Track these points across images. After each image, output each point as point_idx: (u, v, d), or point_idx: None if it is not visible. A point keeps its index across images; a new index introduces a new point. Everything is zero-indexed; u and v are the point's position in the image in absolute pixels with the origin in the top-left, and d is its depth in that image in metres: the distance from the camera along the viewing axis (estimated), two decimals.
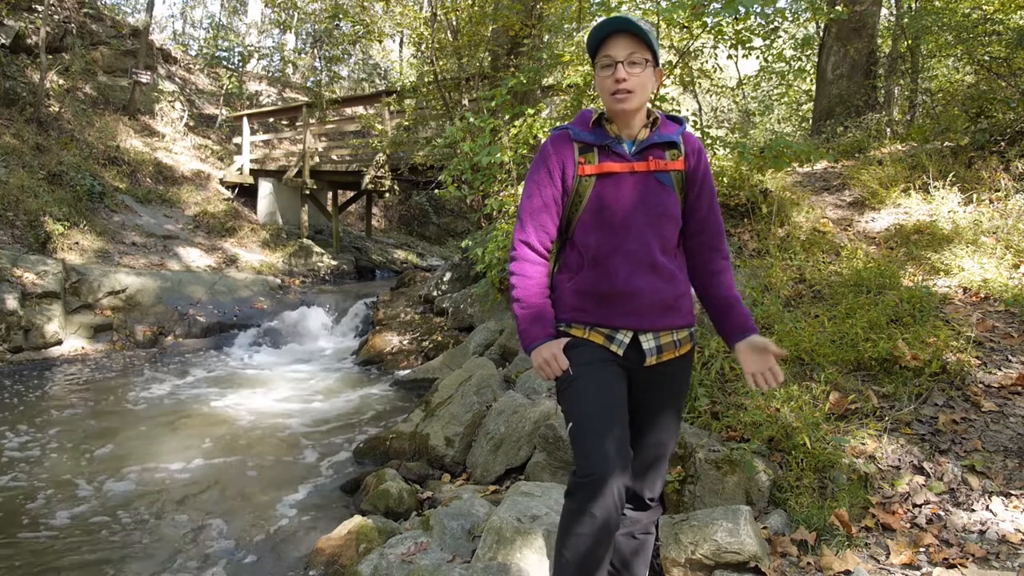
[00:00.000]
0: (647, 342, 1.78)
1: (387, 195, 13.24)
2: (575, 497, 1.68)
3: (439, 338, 7.17)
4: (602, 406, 1.72)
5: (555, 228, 1.84)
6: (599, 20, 1.78)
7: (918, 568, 2.27)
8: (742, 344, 1.81)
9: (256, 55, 20.27)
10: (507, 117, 5.93)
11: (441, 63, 9.57)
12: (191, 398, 5.89)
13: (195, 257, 10.46)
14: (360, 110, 15.11)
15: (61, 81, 12.56)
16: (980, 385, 3.07)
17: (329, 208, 13.56)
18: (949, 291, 4.01)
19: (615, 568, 1.95)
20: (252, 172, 13.57)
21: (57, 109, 11.70)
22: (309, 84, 20.40)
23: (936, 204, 5.03)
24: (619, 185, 1.75)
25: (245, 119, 13.82)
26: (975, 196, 5.00)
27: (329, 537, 3.04)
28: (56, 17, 13.40)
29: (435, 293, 8.30)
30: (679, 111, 5.94)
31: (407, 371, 6.75)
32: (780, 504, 2.68)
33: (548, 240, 1.83)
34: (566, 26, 8.32)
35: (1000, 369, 3.17)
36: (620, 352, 1.77)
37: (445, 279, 8.33)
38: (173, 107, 15.15)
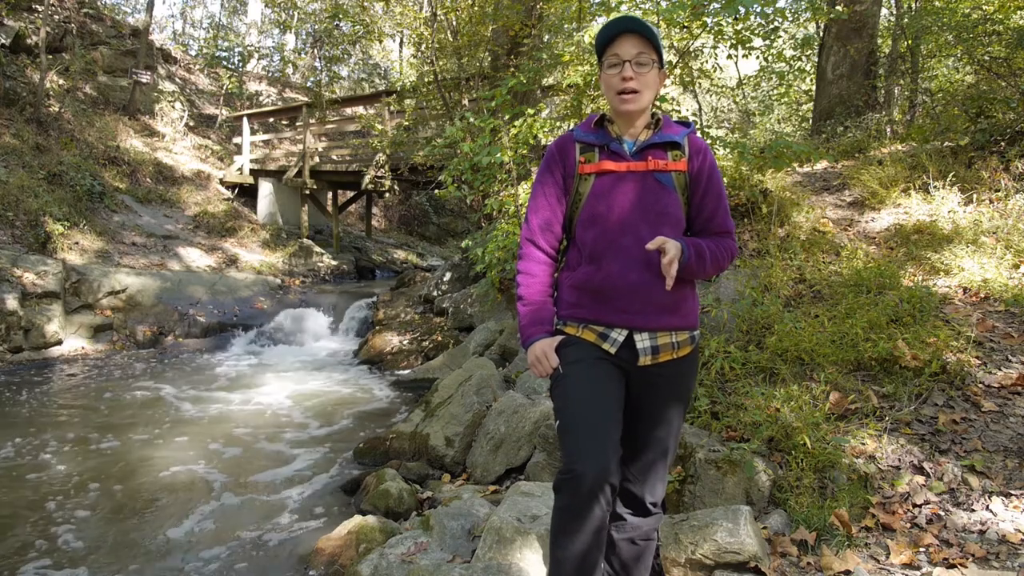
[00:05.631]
0: (642, 341, 1.77)
1: (387, 195, 13.24)
2: (560, 494, 1.70)
3: (439, 338, 7.17)
4: (587, 403, 1.72)
5: (560, 227, 1.88)
6: (601, 20, 1.82)
7: (918, 568, 2.27)
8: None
9: (256, 55, 20.27)
10: (507, 117, 5.93)
11: (441, 63, 9.57)
12: (191, 398, 5.89)
13: (195, 257, 10.46)
14: (360, 110, 15.10)
15: (61, 81, 12.56)
16: (980, 385, 3.07)
17: (329, 208, 13.57)
18: (949, 291, 4.01)
19: (615, 572, 1.95)
20: (252, 172, 13.57)
21: (57, 109, 11.70)
22: (309, 84, 20.39)
23: (936, 204, 5.03)
24: (617, 184, 1.78)
25: (245, 119, 13.82)
26: (975, 196, 5.00)
27: (329, 537, 3.04)
28: (56, 17, 13.40)
29: (435, 293, 8.30)
30: (679, 111, 5.93)
31: (407, 371, 6.76)
32: (780, 504, 2.68)
33: (553, 239, 1.88)
34: (566, 26, 8.31)
35: (1000, 369, 3.17)
36: (612, 350, 1.77)
37: (445, 279, 8.33)
38: (173, 107, 15.15)
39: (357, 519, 3.07)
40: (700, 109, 11.61)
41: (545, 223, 1.86)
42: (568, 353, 1.79)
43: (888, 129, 8.36)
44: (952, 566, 2.24)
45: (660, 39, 1.78)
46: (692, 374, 1.89)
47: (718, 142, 5.65)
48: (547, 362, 1.78)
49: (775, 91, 13.92)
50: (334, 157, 13.13)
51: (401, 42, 21.23)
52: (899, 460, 2.73)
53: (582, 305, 1.80)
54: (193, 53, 20.34)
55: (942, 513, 2.49)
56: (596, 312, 1.78)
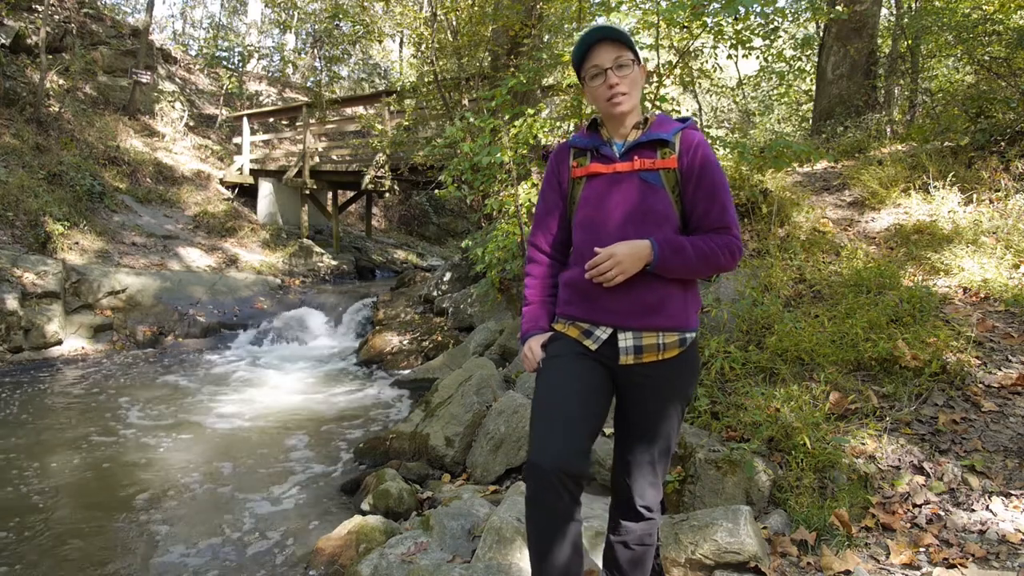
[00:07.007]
0: (624, 340, 1.77)
1: (387, 195, 13.24)
2: (526, 484, 1.75)
3: (439, 338, 7.17)
4: (556, 396, 1.76)
5: (560, 229, 1.95)
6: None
7: (918, 568, 2.27)
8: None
9: (256, 55, 20.27)
10: (507, 117, 5.92)
11: (441, 63, 9.57)
12: (191, 398, 5.89)
13: (195, 257, 10.46)
14: (360, 110, 15.10)
15: (61, 81, 12.56)
16: (980, 385, 3.07)
17: (329, 208, 13.56)
18: (949, 291, 4.01)
19: None
20: (252, 172, 13.57)
21: (57, 109, 11.70)
22: (309, 84, 20.39)
23: (936, 204, 5.03)
24: (604, 186, 1.83)
25: (245, 119, 13.82)
26: (975, 196, 5.00)
27: (329, 537, 3.04)
28: (56, 17, 13.40)
29: (435, 293, 8.30)
30: (679, 111, 5.93)
31: (407, 371, 6.76)
32: (780, 504, 2.68)
33: (556, 241, 1.96)
34: (566, 26, 8.31)
35: (1000, 369, 3.17)
36: (593, 347, 1.79)
37: (445, 279, 8.33)
38: (173, 107, 15.15)
39: (357, 519, 3.07)
40: (700, 109, 11.60)
41: (546, 226, 1.96)
42: (551, 348, 1.85)
43: (888, 129, 8.36)
44: (952, 566, 2.24)
45: (631, 37, 1.84)
46: (687, 376, 1.83)
47: (718, 142, 5.65)
48: (532, 357, 1.87)
49: (775, 91, 13.92)
50: (334, 157, 13.13)
51: (401, 42, 21.24)
52: (899, 460, 2.73)
53: (572, 303, 1.86)
54: (193, 53, 20.34)
55: (942, 513, 2.49)
56: (584, 310, 1.82)
